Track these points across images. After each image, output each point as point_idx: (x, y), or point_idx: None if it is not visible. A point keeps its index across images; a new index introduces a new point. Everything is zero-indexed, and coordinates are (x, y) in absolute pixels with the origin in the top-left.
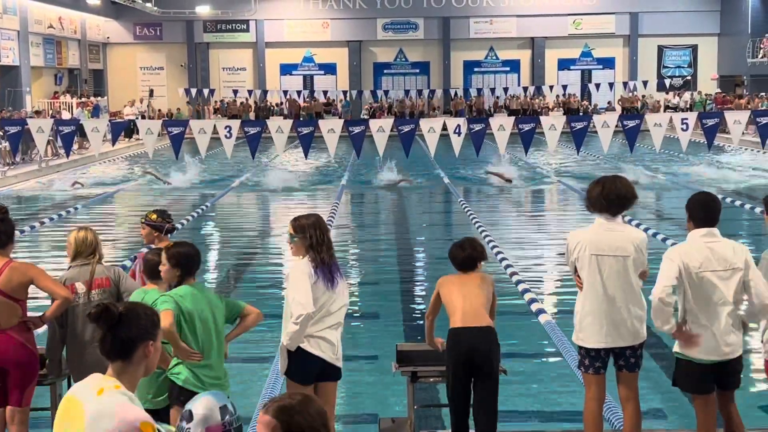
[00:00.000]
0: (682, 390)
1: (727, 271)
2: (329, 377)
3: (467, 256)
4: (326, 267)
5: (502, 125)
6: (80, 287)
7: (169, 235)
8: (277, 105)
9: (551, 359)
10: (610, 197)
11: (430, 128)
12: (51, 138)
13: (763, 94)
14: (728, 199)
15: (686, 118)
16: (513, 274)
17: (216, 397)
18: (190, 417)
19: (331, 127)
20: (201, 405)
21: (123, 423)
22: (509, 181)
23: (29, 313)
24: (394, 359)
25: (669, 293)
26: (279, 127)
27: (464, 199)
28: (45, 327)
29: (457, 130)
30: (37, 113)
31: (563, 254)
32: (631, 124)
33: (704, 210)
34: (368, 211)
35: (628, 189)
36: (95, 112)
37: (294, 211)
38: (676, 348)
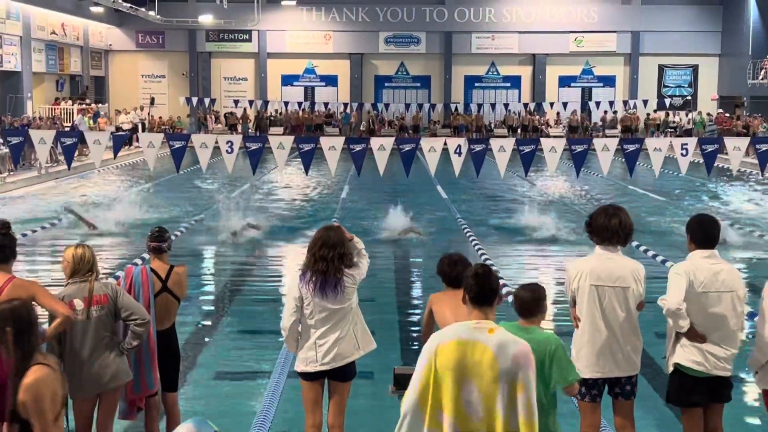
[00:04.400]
0: (673, 404)
1: (726, 293)
2: (338, 378)
3: (458, 274)
4: (321, 275)
5: (502, 146)
6: (78, 304)
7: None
8: (276, 112)
9: None
10: (617, 227)
11: (430, 147)
12: (51, 145)
13: (759, 115)
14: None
15: (686, 144)
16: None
17: (196, 424)
18: None
19: (332, 145)
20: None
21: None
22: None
23: None
24: (390, 382)
25: (681, 303)
26: (281, 143)
27: (460, 216)
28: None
29: (457, 150)
30: (39, 119)
31: (562, 284)
32: (631, 148)
33: (705, 232)
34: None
35: (630, 221)
36: (94, 118)
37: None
38: (675, 359)
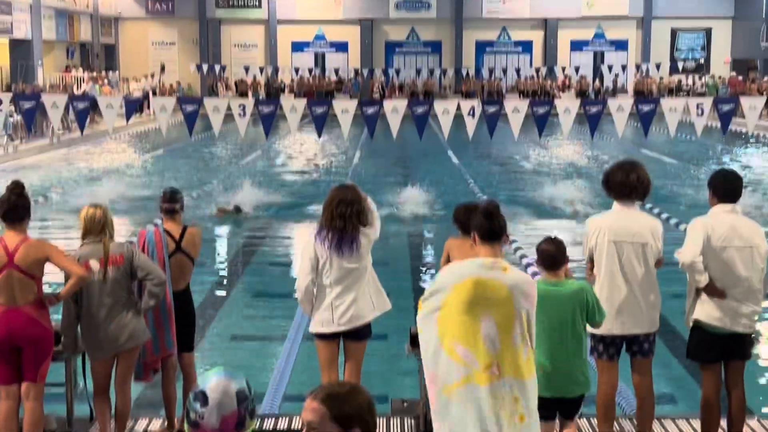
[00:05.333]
0: (692, 359)
1: (746, 248)
2: (352, 338)
3: (493, 227)
4: (338, 233)
5: (516, 108)
6: (94, 264)
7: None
8: (288, 84)
9: None
10: (636, 183)
11: (444, 110)
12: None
13: None
14: None
15: (701, 104)
16: (522, 257)
17: (232, 378)
18: (204, 400)
19: (344, 108)
20: (216, 388)
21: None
22: None
23: (45, 291)
24: (407, 341)
25: (698, 256)
26: (293, 106)
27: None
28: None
29: (471, 112)
30: (51, 88)
31: (579, 244)
32: (646, 108)
33: (728, 185)
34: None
35: (647, 175)
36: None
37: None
38: (694, 315)
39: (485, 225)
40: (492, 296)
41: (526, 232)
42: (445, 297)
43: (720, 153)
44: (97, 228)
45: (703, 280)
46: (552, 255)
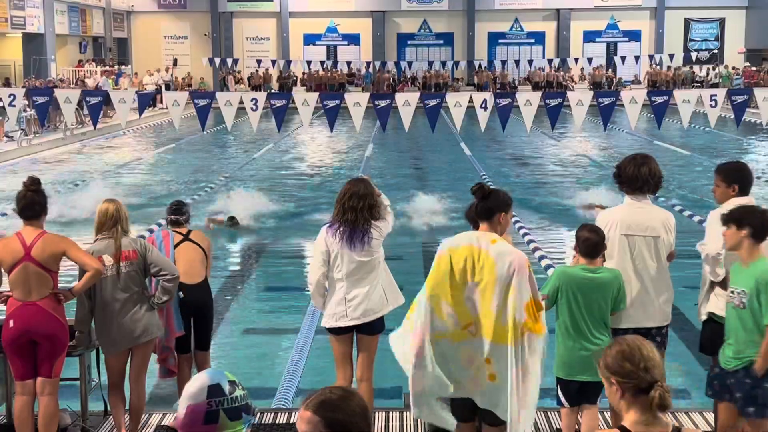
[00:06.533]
0: (705, 353)
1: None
2: (366, 332)
3: (486, 206)
4: (349, 226)
5: (528, 100)
6: (107, 260)
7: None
8: (301, 78)
9: None
10: (647, 176)
11: (456, 102)
12: (76, 107)
13: None
14: None
15: (715, 95)
16: (536, 249)
17: (213, 375)
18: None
19: (356, 101)
20: (194, 382)
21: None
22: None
23: (60, 286)
24: None
25: (721, 248)
26: (305, 100)
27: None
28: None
29: (483, 105)
30: (61, 81)
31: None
32: (659, 100)
33: (743, 178)
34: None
35: (659, 169)
36: (117, 80)
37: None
38: (708, 308)
39: (480, 205)
40: (478, 263)
41: (538, 224)
42: (440, 255)
43: (735, 144)
44: (110, 223)
45: (721, 273)
46: (595, 243)
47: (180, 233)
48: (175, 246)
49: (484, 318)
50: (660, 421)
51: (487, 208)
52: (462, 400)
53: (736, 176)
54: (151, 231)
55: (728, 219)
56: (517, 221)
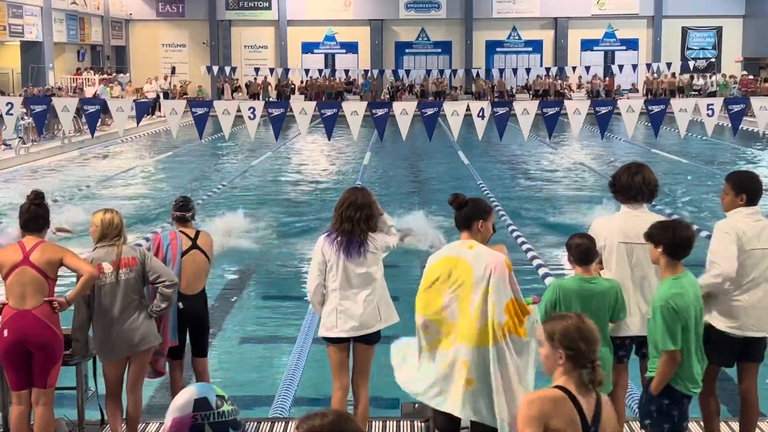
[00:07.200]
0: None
1: (766, 249)
2: (362, 341)
3: (464, 215)
4: (346, 236)
5: (525, 109)
6: (107, 267)
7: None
8: (299, 86)
9: None
10: (641, 185)
11: (453, 111)
12: (74, 115)
13: None
14: None
15: (712, 104)
16: (533, 258)
17: (202, 389)
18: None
19: (354, 110)
20: (182, 394)
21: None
22: None
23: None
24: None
25: (734, 274)
26: (303, 108)
27: (485, 185)
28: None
29: (480, 114)
30: (59, 89)
31: None
32: (656, 109)
33: (753, 189)
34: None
35: (654, 177)
36: (122, 85)
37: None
38: (708, 319)
39: (457, 214)
40: (455, 270)
41: (536, 232)
42: (424, 271)
43: (732, 152)
44: (113, 233)
45: (726, 290)
46: (587, 247)
47: (188, 236)
48: (183, 254)
49: (462, 321)
50: (590, 391)
51: (465, 217)
52: (447, 416)
53: (746, 186)
54: (147, 239)
55: (646, 236)
56: (513, 230)
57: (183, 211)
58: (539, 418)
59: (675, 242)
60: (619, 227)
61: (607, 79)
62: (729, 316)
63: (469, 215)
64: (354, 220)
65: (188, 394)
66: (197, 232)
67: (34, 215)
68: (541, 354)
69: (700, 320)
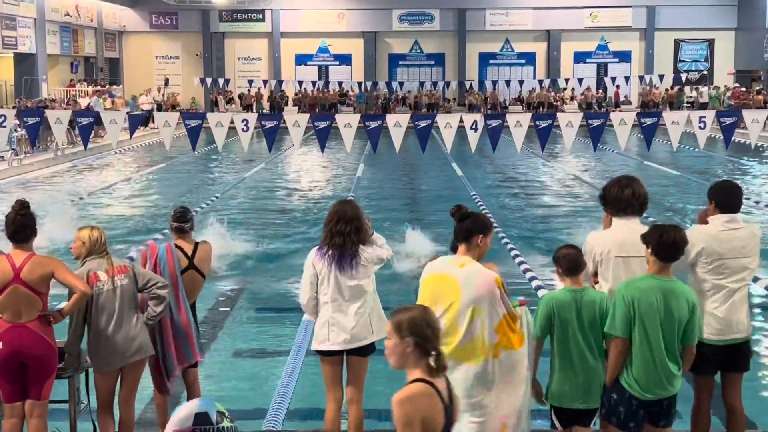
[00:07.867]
0: (690, 371)
1: (742, 258)
2: (356, 353)
3: (461, 229)
4: (337, 250)
5: (519, 121)
6: (103, 276)
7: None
8: (293, 98)
9: None
10: (631, 198)
11: (446, 123)
12: (68, 127)
13: None
14: None
15: (704, 117)
16: (527, 270)
17: (203, 404)
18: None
19: (347, 122)
20: (184, 408)
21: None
22: None
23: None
24: None
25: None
26: (296, 120)
27: (480, 198)
28: (64, 320)
29: (473, 126)
30: (53, 101)
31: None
32: (648, 121)
33: (729, 197)
34: (382, 197)
35: (643, 190)
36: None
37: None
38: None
39: (458, 226)
40: (444, 288)
41: (528, 244)
42: (419, 288)
43: (724, 165)
44: (101, 249)
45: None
46: (575, 257)
47: (185, 253)
48: (182, 272)
49: (451, 340)
50: (439, 375)
51: (466, 229)
52: None
53: (715, 193)
54: (139, 251)
55: (641, 237)
56: (506, 242)
57: (181, 222)
58: (419, 418)
59: (661, 243)
60: (614, 240)
61: (599, 91)
62: (712, 322)
63: (470, 228)
64: (345, 234)
65: (190, 407)
66: (196, 245)
67: (21, 225)
68: (387, 348)
69: (675, 330)
